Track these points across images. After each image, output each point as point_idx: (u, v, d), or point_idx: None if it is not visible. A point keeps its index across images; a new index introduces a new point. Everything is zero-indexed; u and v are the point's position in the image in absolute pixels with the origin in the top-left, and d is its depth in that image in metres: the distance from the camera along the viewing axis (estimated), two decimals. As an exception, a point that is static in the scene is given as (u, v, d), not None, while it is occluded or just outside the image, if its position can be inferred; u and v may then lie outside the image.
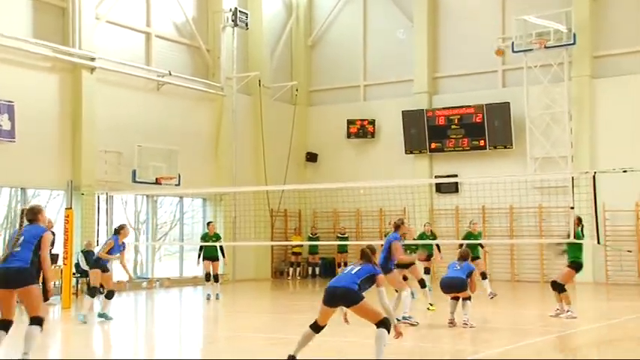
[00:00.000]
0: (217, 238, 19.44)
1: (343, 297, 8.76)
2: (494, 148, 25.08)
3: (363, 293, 8.70)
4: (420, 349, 10.93)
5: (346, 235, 26.16)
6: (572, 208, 15.61)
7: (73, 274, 18.31)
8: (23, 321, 8.78)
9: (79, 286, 20.08)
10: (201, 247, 19.24)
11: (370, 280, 8.87)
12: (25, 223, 8.93)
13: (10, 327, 8.57)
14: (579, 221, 14.40)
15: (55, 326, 14.51)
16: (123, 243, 15.09)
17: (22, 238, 8.66)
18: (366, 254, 9.09)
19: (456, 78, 26.47)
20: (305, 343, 8.90)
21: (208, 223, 20.34)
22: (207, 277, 18.72)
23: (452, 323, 12.58)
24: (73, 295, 17.67)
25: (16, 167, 19.50)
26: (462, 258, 12.97)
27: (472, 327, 12.30)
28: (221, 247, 19.12)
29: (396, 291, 13.02)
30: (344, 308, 8.99)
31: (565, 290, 13.72)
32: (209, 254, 18.82)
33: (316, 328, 8.88)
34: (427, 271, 18.90)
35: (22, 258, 8.49)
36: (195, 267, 24.69)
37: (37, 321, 8.43)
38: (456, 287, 12.55)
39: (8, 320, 8.61)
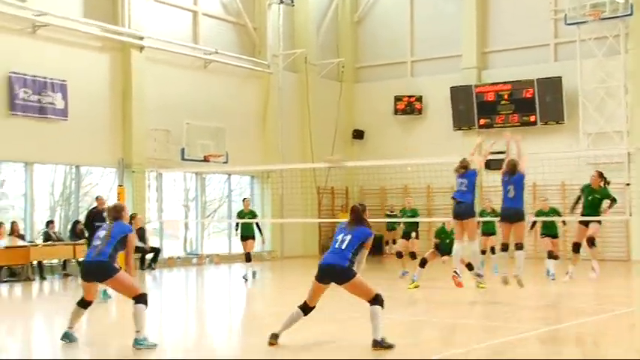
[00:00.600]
0: (253, 215, 18.55)
1: (335, 275, 8.53)
2: (545, 124, 24.91)
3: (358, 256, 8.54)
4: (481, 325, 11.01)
5: (395, 213, 26.23)
6: (629, 184, 15.51)
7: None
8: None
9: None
10: (237, 224, 18.53)
11: (362, 247, 8.59)
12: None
13: (90, 306, 9.08)
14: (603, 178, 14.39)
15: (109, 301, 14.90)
16: None
17: (104, 232, 8.95)
18: (358, 213, 8.73)
19: (506, 52, 26.29)
20: (291, 324, 8.66)
21: (244, 200, 19.35)
22: (248, 257, 17.98)
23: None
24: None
25: (70, 145, 19.98)
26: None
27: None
28: (257, 225, 18.25)
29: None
30: None
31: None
32: (245, 233, 18.09)
33: (305, 309, 8.65)
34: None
35: (102, 252, 8.78)
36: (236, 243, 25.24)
37: (139, 300, 8.73)
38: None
39: (88, 301, 9.11)
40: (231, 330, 11.51)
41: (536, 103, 24.93)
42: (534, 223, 17.45)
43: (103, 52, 21.20)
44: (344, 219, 9.13)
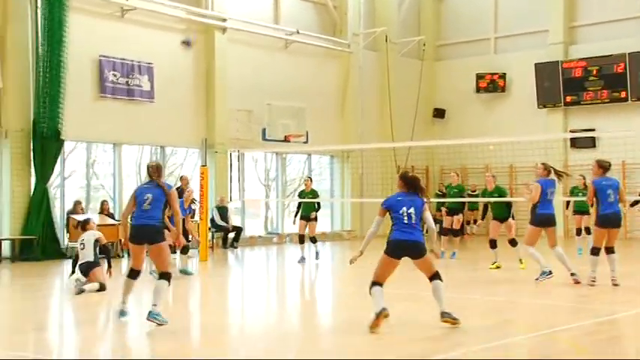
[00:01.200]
0: (315, 195, 17.74)
1: (414, 250, 8.65)
2: (636, 100, 24.39)
3: None
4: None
5: (476, 193, 26.10)
6: None
7: (209, 228, 19.19)
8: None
9: (214, 240, 21.16)
10: (299, 205, 17.81)
11: (424, 213, 8.76)
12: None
13: (139, 276, 9.28)
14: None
15: (193, 278, 15.49)
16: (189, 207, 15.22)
17: (150, 196, 9.04)
18: (416, 183, 8.86)
19: (595, 26, 25.75)
20: (380, 299, 8.54)
21: (305, 179, 18.57)
22: (301, 239, 17.30)
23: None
24: (209, 249, 18.52)
25: (155, 126, 20.54)
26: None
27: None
28: (318, 205, 17.71)
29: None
30: None
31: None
32: (305, 213, 17.33)
33: (380, 284, 8.66)
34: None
35: (152, 216, 8.98)
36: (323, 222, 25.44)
37: (165, 276, 9.00)
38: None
39: (137, 270, 9.27)
40: (312, 306, 11.94)
41: (628, 78, 24.41)
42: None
43: (186, 34, 21.61)
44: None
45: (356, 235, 25.52)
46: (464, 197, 18.89)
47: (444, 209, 18.30)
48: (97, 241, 12.22)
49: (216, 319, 10.08)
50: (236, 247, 21.44)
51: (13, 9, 17.94)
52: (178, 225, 9.45)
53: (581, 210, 17.86)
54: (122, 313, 9.22)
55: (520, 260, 14.53)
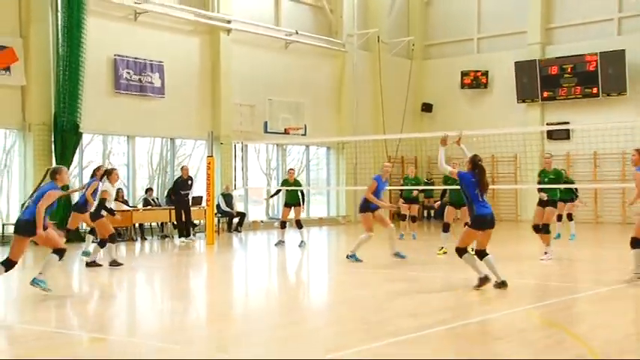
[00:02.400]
0: (298, 184, 17.79)
1: (494, 223, 9.55)
2: (607, 96, 24.45)
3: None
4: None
5: (432, 180, 26.03)
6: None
7: (215, 214, 19.21)
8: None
9: (220, 225, 21.31)
10: (277, 191, 19.11)
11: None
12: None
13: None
14: None
15: (200, 258, 15.65)
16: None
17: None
18: (479, 163, 9.84)
19: (570, 28, 25.81)
20: (477, 266, 9.55)
21: (289, 170, 18.39)
22: (283, 224, 17.41)
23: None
24: (215, 233, 18.62)
25: (166, 120, 20.62)
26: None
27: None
28: (302, 193, 17.79)
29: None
30: None
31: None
32: (291, 200, 17.45)
33: (482, 253, 9.53)
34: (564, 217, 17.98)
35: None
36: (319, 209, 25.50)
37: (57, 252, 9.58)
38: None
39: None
40: (307, 284, 12.13)
41: (599, 76, 24.44)
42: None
43: (195, 36, 21.69)
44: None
45: (350, 220, 25.64)
46: (420, 187, 19.56)
47: (401, 199, 19.27)
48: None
49: (223, 295, 10.25)
50: (240, 232, 21.57)
51: (35, 13, 17.99)
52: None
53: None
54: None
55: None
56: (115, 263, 12.58)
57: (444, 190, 15.85)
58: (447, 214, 14.64)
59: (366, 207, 13.16)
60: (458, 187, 14.38)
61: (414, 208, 18.99)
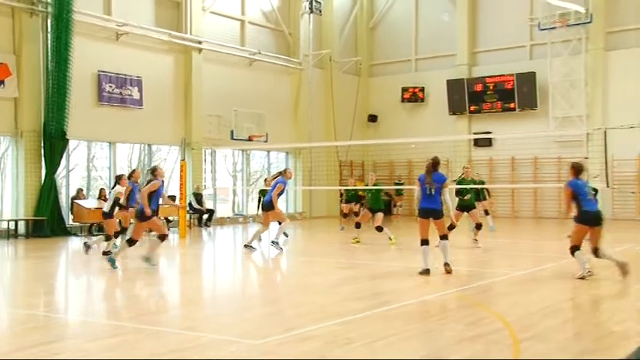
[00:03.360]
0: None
1: (433, 214, 9.76)
2: (522, 110, 24.94)
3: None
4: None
5: (402, 182, 26.46)
6: (587, 158, 15.74)
7: (187, 211, 19.19)
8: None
9: (192, 220, 21.14)
10: (259, 199, 18.86)
11: (442, 188, 9.77)
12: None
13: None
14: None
15: (174, 249, 15.51)
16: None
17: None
18: (435, 166, 9.86)
19: (492, 52, 26.20)
20: (426, 256, 9.84)
21: (265, 179, 18.53)
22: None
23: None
24: (187, 227, 18.47)
25: (144, 128, 20.39)
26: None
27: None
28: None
29: (279, 223, 13.88)
30: None
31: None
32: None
33: (425, 242, 9.81)
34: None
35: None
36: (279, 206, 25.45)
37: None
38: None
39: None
40: (266, 271, 12.12)
41: (516, 93, 24.96)
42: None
43: (170, 54, 21.51)
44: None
45: (306, 216, 25.66)
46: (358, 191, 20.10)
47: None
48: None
49: (194, 282, 10.21)
50: (209, 226, 21.45)
51: (27, 33, 17.70)
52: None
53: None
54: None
55: (390, 238, 14.59)
56: (107, 254, 12.47)
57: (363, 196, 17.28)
58: (363, 216, 15.43)
59: (272, 205, 13.67)
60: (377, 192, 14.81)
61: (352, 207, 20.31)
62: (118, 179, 12.89)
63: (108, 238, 12.56)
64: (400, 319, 6.82)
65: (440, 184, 9.85)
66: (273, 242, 13.76)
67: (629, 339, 5.80)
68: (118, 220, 13.12)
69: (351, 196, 20.28)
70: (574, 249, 9.41)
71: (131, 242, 11.01)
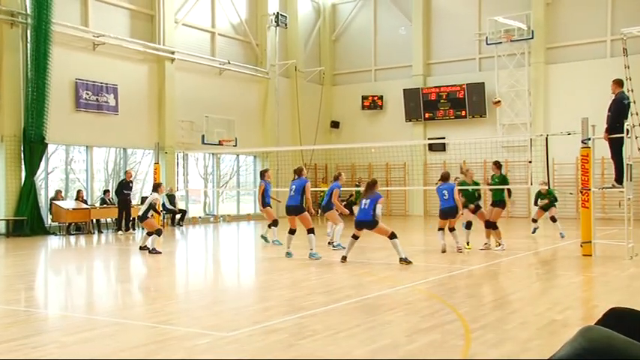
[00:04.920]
0: None
1: (366, 226, 10.36)
2: (472, 117, 25.37)
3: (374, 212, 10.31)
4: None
5: (361, 185, 26.55)
6: (530, 162, 15.93)
7: (161, 210, 19.02)
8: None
9: (165, 220, 20.90)
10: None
11: (375, 203, 10.27)
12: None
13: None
14: (499, 167, 13.11)
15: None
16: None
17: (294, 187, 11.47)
18: (371, 186, 10.55)
19: (444, 64, 26.62)
20: (352, 246, 10.72)
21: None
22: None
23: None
24: (161, 227, 18.27)
25: (119, 133, 20.18)
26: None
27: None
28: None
29: (335, 224, 13.32)
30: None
31: (497, 227, 12.65)
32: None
33: (356, 237, 10.67)
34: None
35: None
36: (248, 206, 25.40)
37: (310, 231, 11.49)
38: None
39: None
40: (241, 267, 12.04)
41: (466, 102, 25.38)
42: None
43: (144, 63, 21.34)
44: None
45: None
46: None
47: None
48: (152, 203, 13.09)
49: (167, 278, 10.09)
50: (182, 226, 21.29)
51: (8, 42, 17.37)
52: None
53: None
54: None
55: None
56: (154, 251, 12.67)
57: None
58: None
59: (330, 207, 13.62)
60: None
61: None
62: (156, 187, 13.54)
63: (150, 234, 12.85)
64: (361, 312, 6.84)
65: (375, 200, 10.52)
66: (330, 244, 13.31)
67: (568, 326, 5.93)
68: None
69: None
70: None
71: (292, 232, 11.91)
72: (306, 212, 11.58)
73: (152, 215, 13.16)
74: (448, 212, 12.22)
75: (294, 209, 11.61)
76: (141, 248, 13.07)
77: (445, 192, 12.24)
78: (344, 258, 10.77)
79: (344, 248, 11.58)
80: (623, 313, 2.42)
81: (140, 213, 13.10)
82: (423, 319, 6.33)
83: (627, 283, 8.96)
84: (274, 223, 14.30)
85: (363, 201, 10.49)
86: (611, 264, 10.63)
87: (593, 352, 2.04)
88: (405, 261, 10.30)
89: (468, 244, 12.84)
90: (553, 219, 16.05)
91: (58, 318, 6.89)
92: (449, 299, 7.66)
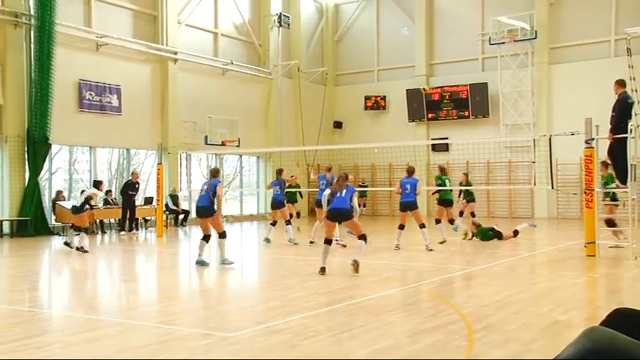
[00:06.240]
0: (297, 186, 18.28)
1: (342, 215, 9.53)
2: (475, 118, 25.31)
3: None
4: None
5: (365, 184, 26.66)
6: (534, 162, 15.93)
7: (164, 211, 19.01)
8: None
9: (168, 220, 20.94)
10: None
11: (352, 195, 9.66)
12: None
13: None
14: (607, 166, 12.85)
15: (151, 247, 15.33)
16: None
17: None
18: (345, 178, 9.81)
19: (447, 64, 26.53)
20: (326, 255, 9.60)
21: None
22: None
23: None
24: (164, 227, 18.29)
25: (122, 134, 20.21)
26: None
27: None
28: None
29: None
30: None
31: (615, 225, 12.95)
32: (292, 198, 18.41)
33: (329, 241, 9.67)
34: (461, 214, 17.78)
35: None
36: (251, 207, 25.40)
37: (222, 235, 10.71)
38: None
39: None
40: (247, 269, 12.04)
41: (469, 102, 25.32)
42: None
43: (147, 64, 21.34)
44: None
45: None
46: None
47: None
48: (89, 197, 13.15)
49: (171, 278, 10.10)
50: (185, 226, 21.29)
51: (12, 44, 17.41)
52: None
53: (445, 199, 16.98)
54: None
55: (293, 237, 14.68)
56: (82, 249, 12.71)
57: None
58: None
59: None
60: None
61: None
62: (97, 184, 13.42)
63: (78, 230, 12.85)
64: (364, 312, 6.84)
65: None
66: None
67: (572, 327, 5.91)
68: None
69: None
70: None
71: (206, 238, 10.90)
72: (218, 215, 10.74)
73: (87, 209, 13.09)
74: (407, 206, 12.82)
75: (204, 210, 10.73)
76: (65, 244, 13.11)
77: (408, 186, 12.84)
78: (322, 269, 9.50)
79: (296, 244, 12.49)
80: (628, 314, 2.41)
81: (77, 204, 13.06)
82: (425, 320, 6.31)
83: (631, 283, 8.94)
84: (288, 221, 14.92)
85: (339, 192, 9.68)
86: (615, 264, 10.61)
87: (597, 353, 2.03)
88: (355, 263, 9.40)
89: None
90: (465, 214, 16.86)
91: (61, 318, 6.90)
92: (452, 300, 7.65)
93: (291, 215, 16.09)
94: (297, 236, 15.29)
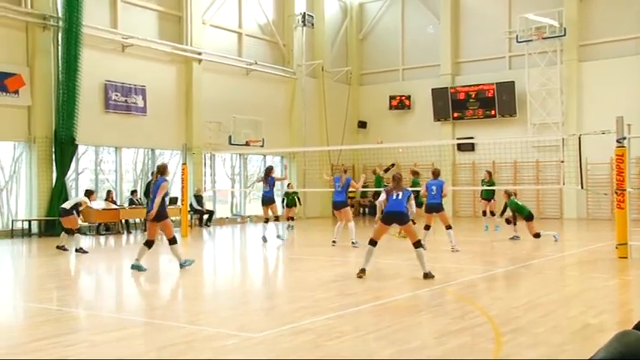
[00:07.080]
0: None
1: (398, 218, 9.12)
2: (502, 117, 25.07)
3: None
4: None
5: (388, 185, 26.35)
6: (563, 162, 15.74)
7: (189, 211, 19.14)
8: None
9: (193, 220, 21.09)
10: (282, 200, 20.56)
11: (408, 198, 9.26)
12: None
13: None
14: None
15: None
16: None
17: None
18: (400, 179, 9.43)
19: (473, 63, 26.33)
20: (370, 257, 9.18)
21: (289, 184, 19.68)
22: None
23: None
24: (188, 227, 18.42)
25: (147, 134, 20.40)
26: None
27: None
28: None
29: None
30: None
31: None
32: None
33: (374, 243, 9.22)
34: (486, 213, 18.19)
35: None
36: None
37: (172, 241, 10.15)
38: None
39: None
40: (266, 267, 12.07)
41: (496, 101, 25.09)
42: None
43: (172, 64, 21.50)
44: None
45: (300, 217, 25.61)
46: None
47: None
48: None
49: (196, 278, 10.17)
50: (209, 226, 21.41)
51: (40, 46, 17.69)
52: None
53: (487, 197, 18.39)
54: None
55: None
56: (79, 250, 13.01)
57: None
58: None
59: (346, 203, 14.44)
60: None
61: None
62: (89, 193, 13.77)
63: (67, 232, 13.13)
64: (390, 313, 6.81)
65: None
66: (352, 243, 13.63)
67: (604, 331, 5.81)
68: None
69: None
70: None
71: (149, 244, 10.29)
72: (168, 218, 10.22)
73: (74, 213, 13.20)
74: (433, 207, 12.94)
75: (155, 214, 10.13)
76: (58, 247, 13.29)
77: (434, 188, 12.91)
78: (362, 271, 9.24)
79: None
80: (662, 318, 2.36)
81: (67, 207, 13.24)
82: (452, 321, 6.27)
83: (664, 286, 8.76)
84: (277, 217, 15.73)
85: (394, 193, 9.33)
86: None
87: (630, 358, 1.99)
88: (429, 275, 9.04)
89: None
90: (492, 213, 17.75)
91: (88, 317, 7.00)
92: (478, 301, 7.58)
93: (277, 217, 16.10)
94: (289, 236, 15.49)
